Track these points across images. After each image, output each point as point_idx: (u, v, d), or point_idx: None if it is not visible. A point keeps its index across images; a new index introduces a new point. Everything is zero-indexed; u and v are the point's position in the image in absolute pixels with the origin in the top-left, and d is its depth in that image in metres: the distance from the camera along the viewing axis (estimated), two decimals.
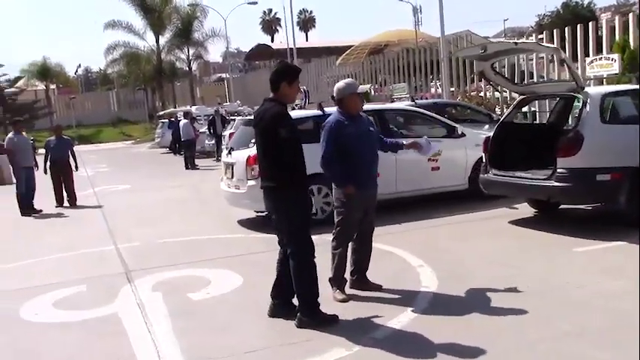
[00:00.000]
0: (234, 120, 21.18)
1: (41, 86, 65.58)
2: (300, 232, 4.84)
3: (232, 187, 9.27)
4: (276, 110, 4.79)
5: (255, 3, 43.35)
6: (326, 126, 5.52)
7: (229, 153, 9.50)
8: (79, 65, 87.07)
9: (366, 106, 11.78)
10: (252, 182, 8.49)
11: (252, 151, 8.55)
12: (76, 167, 13.86)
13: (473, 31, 42.17)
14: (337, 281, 5.45)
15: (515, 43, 7.61)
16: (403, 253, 6.81)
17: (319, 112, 8.82)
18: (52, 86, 67.36)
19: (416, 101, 13.20)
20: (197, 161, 21.32)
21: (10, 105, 53.75)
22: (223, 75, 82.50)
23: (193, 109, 30.09)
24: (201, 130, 24.03)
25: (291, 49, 59.11)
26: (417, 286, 5.65)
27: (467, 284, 5.58)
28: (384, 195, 8.70)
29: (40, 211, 12.79)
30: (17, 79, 58.09)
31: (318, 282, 4.88)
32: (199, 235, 8.95)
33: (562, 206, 8.46)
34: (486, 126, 12.50)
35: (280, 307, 5.05)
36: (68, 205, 13.43)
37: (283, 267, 4.99)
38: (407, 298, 5.32)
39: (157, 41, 50.89)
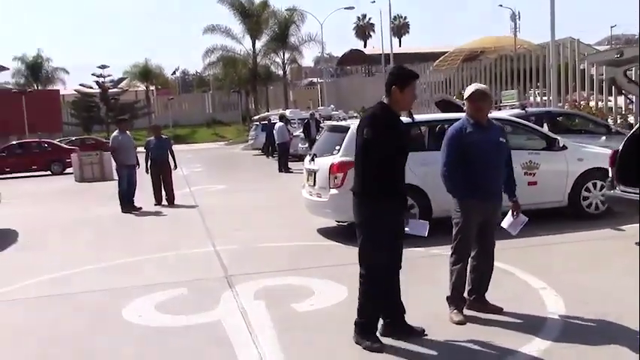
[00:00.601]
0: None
1: (142, 87, 68.36)
2: (367, 250, 4.49)
3: (314, 195, 8.94)
4: (371, 111, 4.56)
5: (352, 8, 43.38)
6: (447, 133, 5.13)
7: (312, 159, 9.16)
8: (177, 68, 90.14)
9: (453, 114, 11.27)
10: (334, 191, 8.19)
11: (336, 158, 8.28)
12: (175, 166, 14.05)
13: (574, 37, 40.47)
14: (455, 301, 5.02)
15: None
16: (521, 273, 6.26)
17: (409, 120, 8.44)
18: (152, 87, 70.06)
19: (527, 110, 12.49)
20: (290, 164, 21.29)
21: (113, 104, 56.21)
22: (315, 79, 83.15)
23: (287, 112, 30.21)
24: (295, 134, 24.05)
25: (385, 54, 58.76)
26: (542, 311, 5.11)
27: (598, 310, 5.00)
28: None
29: (140, 208, 12.99)
30: (120, 80, 60.77)
31: (381, 309, 4.62)
32: (297, 241, 8.71)
33: None
34: (603, 138, 11.66)
35: (391, 327, 4.69)
36: (166, 203, 13.61)
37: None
38: (532, 324, 4.80)
39: (254, 45, 52.01)
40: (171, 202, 13.65)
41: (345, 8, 43.42)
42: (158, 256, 8.24)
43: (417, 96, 4.68)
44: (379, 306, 4.59)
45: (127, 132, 13.54)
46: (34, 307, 6.27)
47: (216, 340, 4.86)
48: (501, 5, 76.37)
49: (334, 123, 11.66)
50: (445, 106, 12.32)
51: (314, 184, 8.89)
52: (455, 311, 4.97)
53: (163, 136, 14.24)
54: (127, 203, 12.97)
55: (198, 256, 8.14)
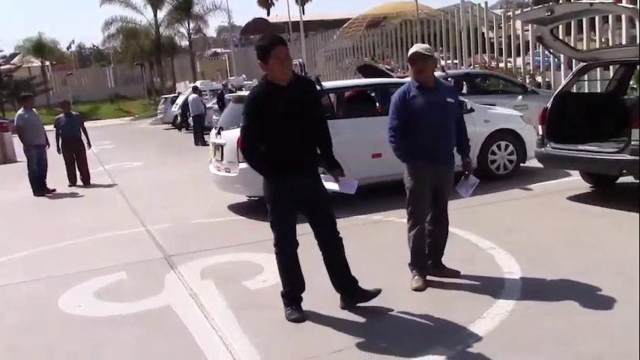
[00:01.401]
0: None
1: (37, 63, 64.56)
2: (271, 220, 4.49)
3: (222, 170, 8.50)
4: (249, 95, 4.49)
5: None
6: (392, 98, 5.01)
7: (218, 133, 8.63)
8: (73, 41, 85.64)
9: (356, 81, 11.12)
10: (243, 165, 7.69)
11: None
12: (89, 144, 13.30)
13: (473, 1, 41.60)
14: (416, 266, 4.95)
15: (591, 4, 6.98)
16: (467, 234, 6.29)
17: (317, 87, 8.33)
18: (47, 63, 66.33)
19: (447, 72, 12.62)
20: (206, 137, 20.71)
21: (6, 82, 52.84)
22: (219, 50, 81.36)
23: (198, 83, 29.35)
24: (208, 105, 23.41)
25: (287, 22, 58.20)
26: (498, 272, 5.14)
27: (551, 268, 5.08)
28: (388, 176, 8.02)
29: (54, 190, 12.24)
30: (13, 55, 57.12)
31: (292, 276, 4.56)
32: (228, 216, 8.45)
33: (620, 180, 7.95)
34: (520, 97, 11.96)
35: (346, 299, 4.63)
36: (82, 184, 12.89)
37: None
38: (492, 286, 4.80)
39: (155, 15, 50.03)
40: (86, 182, 12.93)
41: None
42: (86, 240, 7.75)
43: (287, 60, 4.27)
44: (293, 277, 4.55)
45: (33, 109, 12.64)
46: None
47: (172, 328, 4.56)
48: None
49: (240, 94, 11.22)
50: (368, 71, 12.29)
51: (221, 159, 8.46)
52: (416, 277, 4.91)
53: (73, 113, 13.39)
54: (39, 186, 12.17)
55: (130, 238, 7.72)
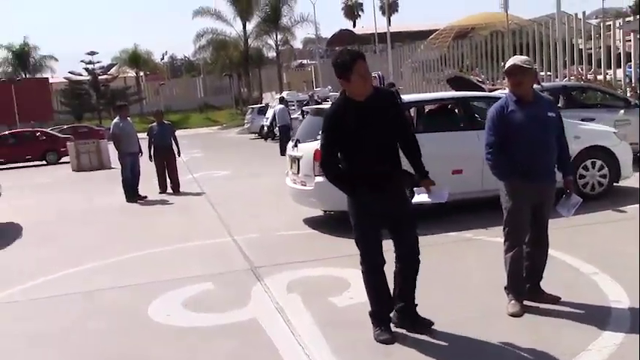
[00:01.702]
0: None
1: (131, 73, 67.43)
2: (356, 236, 4.36)
3: (298, 183, 8.41)
4: (327, 111, 4.37)
5: None
6: (488, 113, 4.77)
7: (295, 145, 8.53)
8: (165, 52, 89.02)
9: (437, 95, 10.68)
10: (319, 179, 7.52)
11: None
12: (179, 153, 13.62)
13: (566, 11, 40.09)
14: (513, 290, 4.68)
15: None
16: (566, 257, 5.91)
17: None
18: (141, 73, 69.18)
19: (542, 85, 12.10)
20: None
21: (103, 91, 55.41)
22: (304, 61, 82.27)
23: (284, 94, 29.72)
24: (293, 116, 23.60)
25: (373, 34, 57.97)
26: (604, 300, 4.78)
27: None
28: (468, 194, 7.93)
29: (145, 197, 12.59)
30: (110, 66, 59.88)
31: (379, 295, 4.40)
32: (317, 229, 8.35)
33: None
34: (621, 111, 11.31)
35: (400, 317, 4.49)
36: (171, 191, 13.21)
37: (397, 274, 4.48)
38: (597, 316, 4.46)
39: (244, 27, 51.17)
40: (176, 190, 13.25)
41: None
42: (175, 248, 7.86)
43: (368, 75, 4.18)
44: (380, 295, 4.40)
45: (128, 118, 13.06)
46: (49, 308, 5.88)
47: (259, 343, 4.49)
48: None
49: (318, 107, 11.12)
50: (458, 83, 11.96)
51: (298, 172, 8.37)
52: (513, 302, 4.63)
53: (166, 122, 13.78)
54: (132, 192, 12.56)
55: (217, 247, 7.77)
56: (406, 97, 8.65)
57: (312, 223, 8.71)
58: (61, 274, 6.95)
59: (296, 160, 8.45)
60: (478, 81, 13.08)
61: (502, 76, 34.61)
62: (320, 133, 4.33)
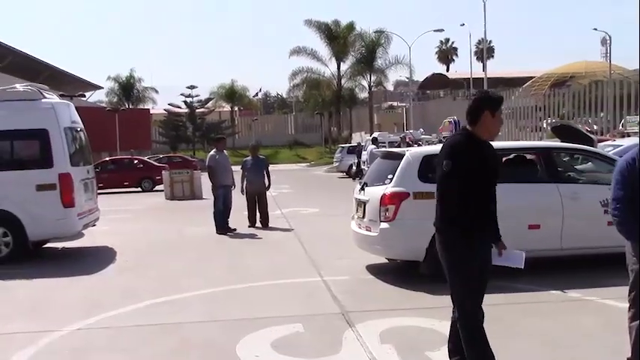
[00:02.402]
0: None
1: (226, 107, 69.61)
2: (461, 293, 4.08)
3: (363, 228, 8.03)
4: (456, 139, 4.10)
5: (442, 30, 42.78)
6: (618, 164, 4.34)
7: (362, 189, 8.22)
8: (260, 89, 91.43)
9: (515, 144, 10.07)
10: (385, 225, 7.38)
11: (388, 188, 7.42)
12: (269, 186, 13.63)
13: None
14: None
15: None
16: None
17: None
18: (235, 108, 71.32)
19: None
20: None
21: (199, 124, 57.29)
22: (395, 103, 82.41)
23: (376, 134, 29.66)
24: None
25: (466, 79, 57.24)
26: None
27: None
28: (545, 251, 7.41)
29: (235, 230, 12.64)
30: (207, 100, 62.06)
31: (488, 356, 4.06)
32: (409, 275, 7.98)
33: None
34: None
35: None
36: (260, 226, 13.20)
37: (454, 328, 4.21)
38: None
39: (339, 67, 51.89)
40: (265, 225, 13.24)
41: (434, 30, 42.77)
42: (263, 285, 7.72)
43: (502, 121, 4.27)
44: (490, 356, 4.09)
45: (225, 151, 13.24)
46: (136, 338, 5.81)
47: None
48: (595, 29, 73.92)
49: (388, 149, 10.82)
50: (564, 132, 11.39)
51: (363, 216, 8.02)
52: None
53: (260, 156, 13.87)
54: (222, 224, 12.64)
55: (307, 287, 7.56)
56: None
57: (386, 269, 8.37)
58: (150, 302, 6.93)
59: (362, 203, 8.12)
60: (588, 131, 12.41)
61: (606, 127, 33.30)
62: (444, 163, 4.05)
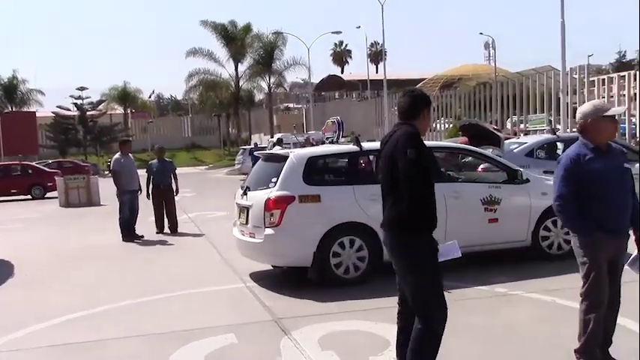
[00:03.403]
0: None
1: (119, 110, 67.14)
2: (429, 298, 3.88)
3: (246, 235, 7.62)
4: (409, 130, 3.90)
5: (340, 32, 43.18)
6: (561, 161, 4.38)
7: (244, 194, 7.80)
8: (153, 91, 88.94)
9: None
10: (270, 231, 7.06)
11: (273, 192, 7.14)
12: (177, 191, 13.13)
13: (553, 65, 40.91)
14: (589, 355, 4.24)
15: None
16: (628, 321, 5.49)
17: (355, 148, 7.61)
18: (128, 110, 68.96)
19: (558, 135, 11.92)
20: None
21: (91, 127, 54.88)
22: (291, 105, 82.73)
23: (278, 135, 29.49)
24: None
25: (362, 80, 58.29)
26: None
27: None
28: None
29: (142, 237, 12.06)
30: (99, 102, 59.52)
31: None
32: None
33: None
34: (637, 165, 11.07)
35: None
36: (169, 231, 12.68)
37: (404, 334, 4.05)
38: None
39: (236, 69, 51.32)
40: (174, 230, 12.72)
41: (332, 32, 43.18)
42: (186, 294, 7.33)
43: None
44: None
45: (130, 155, 12.60)
46: (52, 359, 5.31)
47: None
48: (482, 33, 77.61)
49: (270, 151, 10.68)
50: (472, 130, 11.69)
51: (246, 222, 7.59)
52: None
53: (167, 159, 13.31)
54: (129, 231, 12.02)
55: (231, 294, 7.26)
56: (366, 145, 7.92)
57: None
58: (65, 318, 6.39)
59: (245, 209, 7.68)
60: (495, 128, 12.82)
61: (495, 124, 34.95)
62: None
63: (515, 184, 7.94)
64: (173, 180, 12.94)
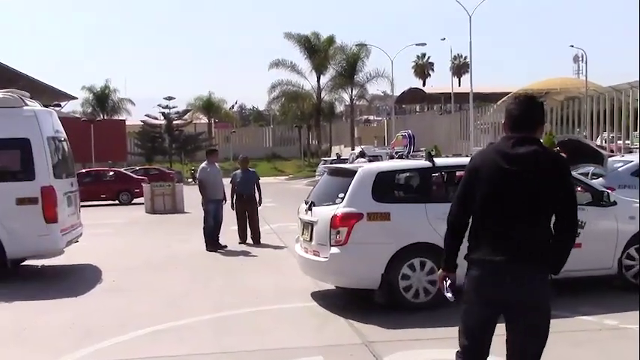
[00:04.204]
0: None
1: (203, 119, 68.85)
2: (544, 342, 3.29)
3: (310, 253, 7.27)
4: (558, 155, 3.45)
5: (424, 44, 42.91)
6: None
7: (309, 209, 7.44)
8: (236, 102, 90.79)
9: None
10: (335, 249, 6.67)
11: (340, 208, 6.71)
12: (260, 202, 13.02)
13: None
14: None
15: None
16: None
17: (427, 164, 7.11)
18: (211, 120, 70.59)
19: None
20: None
21: (177, 136, 56.46)
22: (371, 117, 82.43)
23: (359, 148, 29.26)
24: None
25: (445, 94, 57.25)
26: None
27: None
28: None
29: (225, 247, 12.03)
30: (185, 111, 61.24)
31: None
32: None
33: None
34: None
35: None
36: (251, 242, 12.59)
37: None
38: None
39: (319, 80, 51.60)
40: (256, 242, 12.63)
41: (416, 44, 42.75)
42: (269, 309, 7.14)
43: None
44: None
45: (216, 164, 12.63)
46: None
47: None
48: (572, 45, 74.96)
49: (338, 165, 10.22)
50: (571, 147, 11.00)
51: (310, 239, 7.25)
52: None
53: (250, 169, 13.25)
54: (212, 241, 12.02)
55: (318, 312, 7.00)
56: (439, 161, 7.57)
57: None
58: (150, 330, 6.31)
59: (309, 225, 7.34)
60: (598, 146, 12.08)
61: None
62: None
63: (601, 206, 7.37)
64: (256, 190, 12.86)
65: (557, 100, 55.84)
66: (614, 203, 7.41)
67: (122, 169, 33.84)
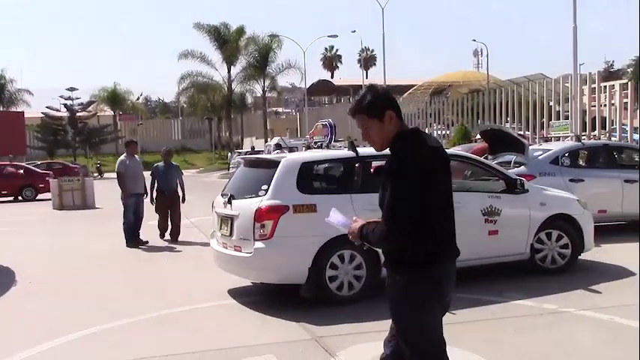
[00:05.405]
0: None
1: (108, 112, 66.43)
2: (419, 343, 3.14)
3: (230, 248, 6.94)
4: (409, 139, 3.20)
5: (336, 36, 43.08)
6: None
7: (228, 202, 7.01)
8: (141, 93, 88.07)
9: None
10: (260, 244, 6.43)
11: (264, 201, 6.50)
12: (184, 198, 12.50)
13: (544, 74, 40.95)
14: None
15: None
16: None
17: (351, 154, 7.05)
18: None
19: (583, 142, 11.56)
20: None
21: (81, 128, 54.18)
22: (280, 109, 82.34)
23: (276, 139, 29.06)
24: None
25: (352, 85, 57.95)
26: None
27: None
28: None
29: (147, 242, 11.53)
30: (89, 103, 58.74)
31: None
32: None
33: None
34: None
35: None
36: (169, 238, 12.09)
37: None
38: None
39: (229, 72, 50.75)
40: (175, 238, 12.08)
41: (329, 36, 42.93)
42: (209, 306, 6.87)
43: (364, 130, 3.40)
44: None
45: (136, 156, 12.05)
46: None
47: None
48: (474, 40, 77.78)
49: (257, 157, 10.10)
50: (494, 136, 11.27)
51: (230, 234, 6.91)
52: None
53: (174, 163, 12.70)
54: (133, 237, 11.48)
55: (255, 308, 6.73)
56: (362, 150, 7.26)
57: None
58: (81, 334, 5.86)
59: (228, 219, 6.99)
60: (519, 134, 12.43)
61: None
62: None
63: (514, 193, 7.58)
64: (179, 185, 12.37)
65: (461, 92, 57.78)
66: (527, 190, 7.64)
67: (23, 164, 31.96)
